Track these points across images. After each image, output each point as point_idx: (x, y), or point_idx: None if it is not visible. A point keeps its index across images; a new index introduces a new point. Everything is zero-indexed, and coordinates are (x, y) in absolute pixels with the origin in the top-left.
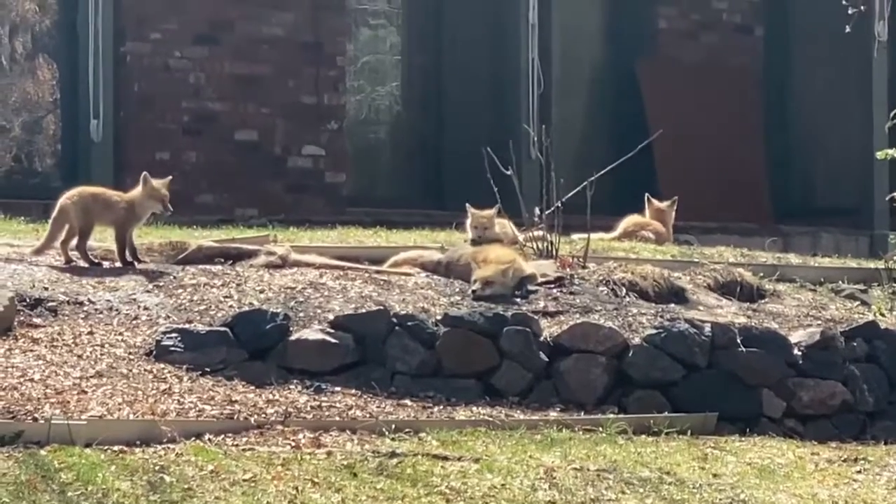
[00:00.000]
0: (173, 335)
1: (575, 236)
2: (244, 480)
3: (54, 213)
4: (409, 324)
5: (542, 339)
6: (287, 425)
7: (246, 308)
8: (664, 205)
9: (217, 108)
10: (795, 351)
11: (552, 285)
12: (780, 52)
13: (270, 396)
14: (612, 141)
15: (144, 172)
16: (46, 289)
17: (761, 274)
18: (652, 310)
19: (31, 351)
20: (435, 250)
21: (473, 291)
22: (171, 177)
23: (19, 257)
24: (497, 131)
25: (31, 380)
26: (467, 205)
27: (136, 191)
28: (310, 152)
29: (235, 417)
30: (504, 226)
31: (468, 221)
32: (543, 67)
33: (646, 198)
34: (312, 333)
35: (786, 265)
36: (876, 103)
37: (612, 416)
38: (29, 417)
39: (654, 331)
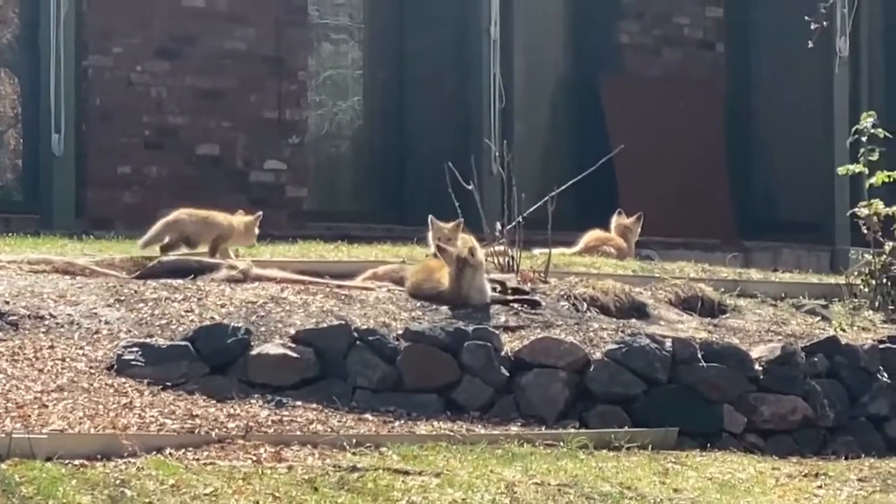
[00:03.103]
0: (134, 349)
1: (536, 251)
2: (205, 495)
3: None
4: (371, 338)
5: (503, 353)
6: (248, 440)
7: (207, 322)
8: (629, 221)
9: (179, 122)
10: (756, 366)
11: (523, 304)
12: (742, 68)
13: (231, 411)
14: (574, 156)
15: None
16: (7, 303)
17: (722, 289)
18: (613, 325)
19: None
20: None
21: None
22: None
23: None
24: (459, 146)
25: None
26: (430, 217)
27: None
28: (271, 167)
29: (196, 432)
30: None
31: (430, 234)
32: (505, 83)
33: (617, 212)
34: (274, 348)
35: (747, 280)
36: (837, 119)
37: (573, 430)
38: None
39: (615, 346)
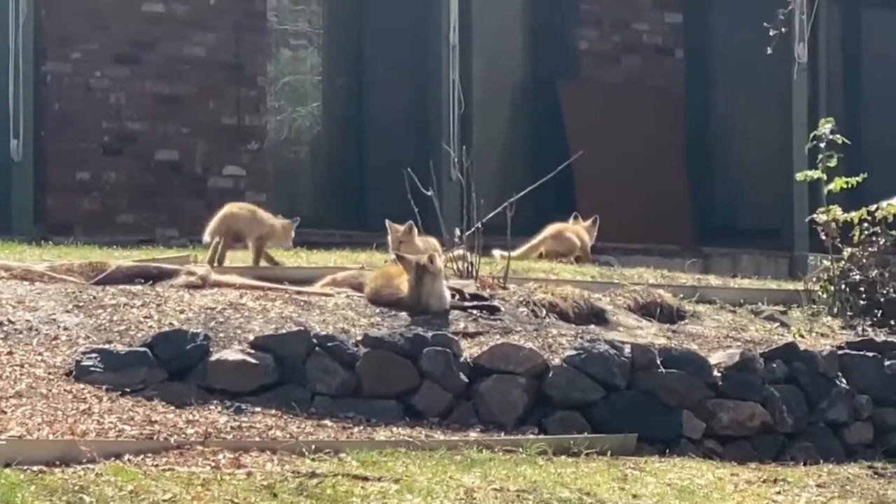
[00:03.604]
0: (93, 355)
1: (496, 252)
2: (164, 501)
3: None
4: (330, 344)
5: (462, 359)
6: (207, 446)
7: (166, 328)
8: (586, 224)
9: (138, 127)
10: (715, 372)
11: (482, 309)
12: (701, 74)
13: (190, 417)
14: (533, 162)
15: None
16: None
17: (681, 295)
18: (572, 331)
19: None
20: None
21: None
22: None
23: None
24: (418, 152)
25: None
26: (387, 221)
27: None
28: (230, 172)
29: (155, 438)
30: (428, 241)
31: (389, 238)
32: (464, 89)
33: (573, 215)
34: (232, 354)
35: (706, 286)
36: (796, 125)
37: (532, 436)
38: None
39: (574, 352)
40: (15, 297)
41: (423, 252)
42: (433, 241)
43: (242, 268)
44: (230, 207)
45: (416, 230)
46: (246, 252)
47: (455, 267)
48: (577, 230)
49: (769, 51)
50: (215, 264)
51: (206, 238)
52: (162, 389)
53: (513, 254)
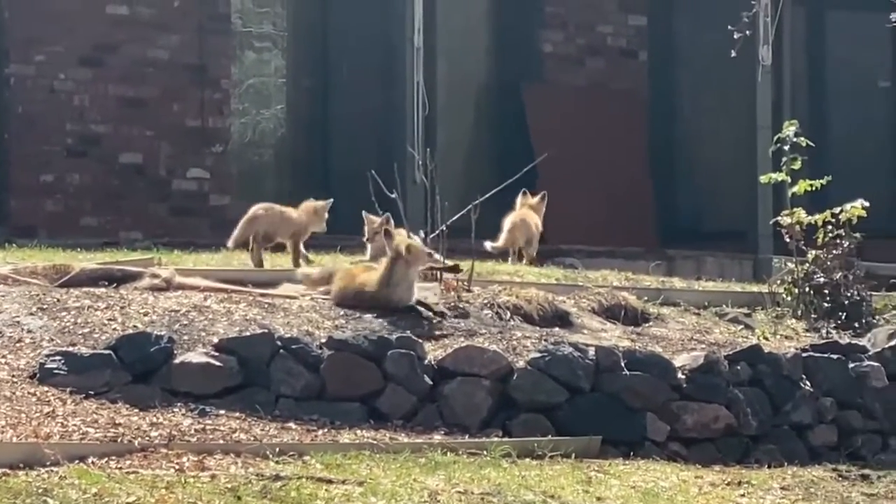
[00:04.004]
0: (57, 358)
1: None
2: (128, 503)
3: None
4: (294, 347)
5: (426, 362)
6: (171, 448)
7: (130, 331)
8: (534, 200)
9: (101, 130)
10: (679, 374)
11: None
12: (665, 77)
13: (154, 419)
14: (498, 164)
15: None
16: None
17: (646, 298)
18: (536, 333)
19: None
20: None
21: None
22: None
23: None
24: (382, 155)
25: None
26: (364, 212)
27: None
28: (194, 175)
29: (119, 440)
30: (401, 234)
31: (366, 229)
32: (429, 91)
33: (521, 192)
34: (197, 356)
35: (670, 289)
36: (760, 127)
37: (496, 439)
38: None
39: (538, 354)
40: None
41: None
42: (405, 233)
43: (207, 270)
44: (254, 210)
45: (392, 222)
46: (210, 254)
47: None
48: (534, 219)
49: (733, 53)
50: (257, 266)
51: (230, 245)
52: (126, 392)
53: (496, 244)
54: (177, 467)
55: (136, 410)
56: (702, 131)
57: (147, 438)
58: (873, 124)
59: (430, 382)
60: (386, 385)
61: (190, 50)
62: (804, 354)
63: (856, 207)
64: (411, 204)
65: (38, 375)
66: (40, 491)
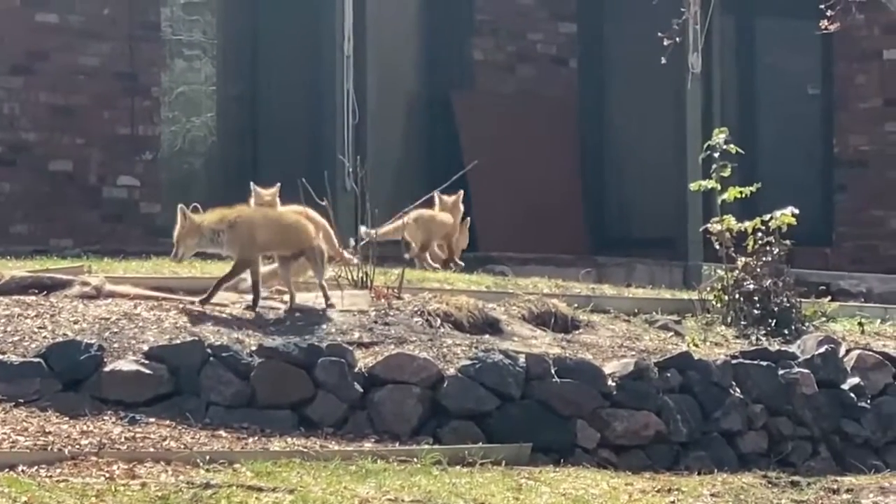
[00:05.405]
0: None
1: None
2: None
3: None
4: (224, 354)
5: (356, 369)
6: (101, 456)
7: (60, 339)
8: (452, 199)
9: (32, 138)
10: (609, 381)
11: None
12: (595, 84)
13: (85, 427)
14: (428, 172)
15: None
16: None
17: (576, 305)
18: (467, 341)
19: None
20: None
21: None
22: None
23: None
24: (313, 162)
25: None
26: (251, 184)
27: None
28: (125, 183)
29: (49, 448)
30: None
31: (252, 202)
32: (358, 99)
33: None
34: (127, 364)
35: (600, 296)
36: (690, 134)
37: (426, 446)
38: None
39: (468, 361)
40: None
41: None
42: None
43: (137, 278)
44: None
45: (278, 194)
46: (139, 261)
47: (349, 277)
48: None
49: (663, 60)
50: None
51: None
52: (56, 400)
53: (381, 229)
54: (107, 475)
55: (67, 418)
56: (631, 138)
57: (77, 447)
58: (803, 131)
59: (361, 390)
60: (316, 393)
61: (120, 58)
62: (734, 361)
63: (785, 215)
64: (341, 211)
65: None
66: None
